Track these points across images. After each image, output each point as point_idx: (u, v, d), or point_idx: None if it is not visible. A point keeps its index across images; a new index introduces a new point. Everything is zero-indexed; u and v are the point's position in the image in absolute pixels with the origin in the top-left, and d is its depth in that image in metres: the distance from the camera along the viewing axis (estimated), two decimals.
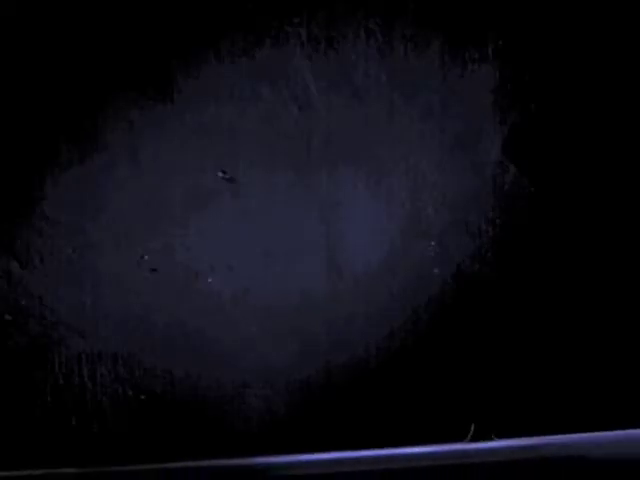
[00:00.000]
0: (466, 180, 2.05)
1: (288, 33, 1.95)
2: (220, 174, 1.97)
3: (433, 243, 2.05)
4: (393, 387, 1.98)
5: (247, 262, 2.00)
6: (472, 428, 1.79)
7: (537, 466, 1.48)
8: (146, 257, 1.97)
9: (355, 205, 2.02)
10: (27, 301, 1.94)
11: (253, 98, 1.96)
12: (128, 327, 1.95)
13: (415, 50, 2.00)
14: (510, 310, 2.07)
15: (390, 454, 1.63)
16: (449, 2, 1.99)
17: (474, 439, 1.76)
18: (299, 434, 1.96)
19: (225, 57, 1.94)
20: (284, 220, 2.00)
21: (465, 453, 1.53)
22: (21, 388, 1.91)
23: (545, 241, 2.08)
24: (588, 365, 2.03)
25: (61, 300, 1.95)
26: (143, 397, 1.95)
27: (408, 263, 2.05)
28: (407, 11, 1.98)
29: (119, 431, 1.93)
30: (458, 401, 1.97)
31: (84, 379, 1.93)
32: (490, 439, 1.68)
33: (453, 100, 2.02)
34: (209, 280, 1.99)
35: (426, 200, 2.04)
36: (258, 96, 1.96)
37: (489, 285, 2.06)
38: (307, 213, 2.01)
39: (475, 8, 2.00)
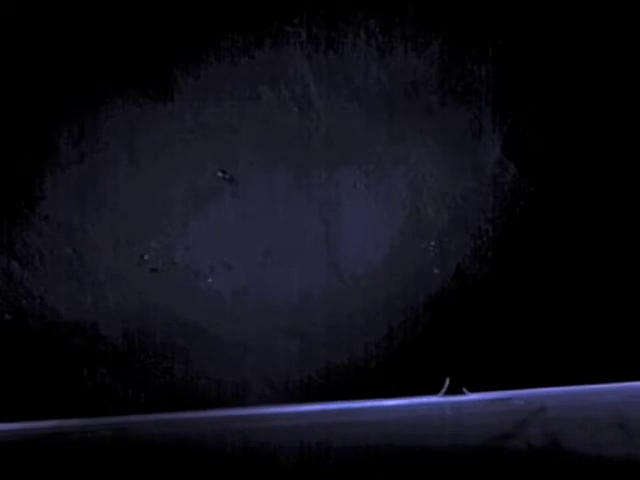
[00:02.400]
0: (466, 180, 2.05)
1: (288, 33, 1.95)
2: (220, 174, 1.97)
3: (433, 243, 2.05)
4: (378, 344, 1.98)
5: (247, 262, 2.00)
6: (446, 382, 1.88)
7: (507, 417, 1.60)
8: (146, 257, 1.97)
9: (355, 205, 2.02)
10: (27, 301, 1.94)
11: (253, 98, 1.96)
12: (128, 327, 1.95)
13: (415, 50, 2.00)
14: (504, 303, 2.07)
15: (372, 405, 1.73)
16: (449, 2, 1.99)
17: (448, 393, 1.87)
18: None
19: (225, 57, 1.94)
20: (284, 220, 2.00)
21: (440, 405, 1.67)
22: (21, 387, 1.91)
23: (545, 241, 2.08)
24: (554, 327, 2.03)
25: (61, 300, 1.95)
26: (142, 396, 1.95)
27: (408, 263, 2.05)
28: (407, 11, 1.98)
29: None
30: (435, 359, 1.99)
31: (84, 379, 1.93)
32: (462, 393, 1.82)
33: (453, 100, 2.02)
34: (209, 280, 1.99)
35: (426, 200, 2.04)
36: (258, 96, 1.96)
37: (489, 285, 2.07)
38: (307, 213, 2.02)
39: (475, 8, 2.00)
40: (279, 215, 2.00)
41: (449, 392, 1.88)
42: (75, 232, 1.93)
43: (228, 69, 1.94)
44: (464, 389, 1.87)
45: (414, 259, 2.04)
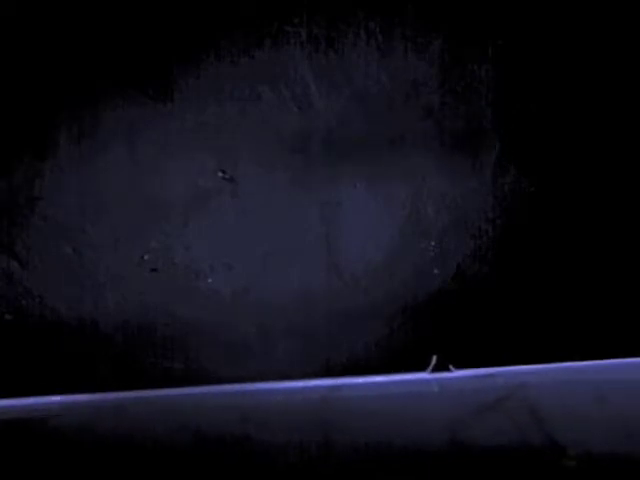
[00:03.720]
0: (466, 180, 2.05)
1: (288, 33, 1.95)
2: (220, 174, 1.97)
3: (433, 243, 2.05)
4: (370, 322, 2.00)
5: (247, 262, 2.00)
6: (433, 360, 1.92)
7: (490, 392, 1.71)
8: (146, 257, 1.97)
9: (355, 205, 2.02)
10: (27, 301, 1.94)
11: (253, 98, 1.96)
12: (128, 327, 1.95)
13: (415, 50, 2.00)
14: (488, 286, 2.07)
15: (360, 382, 1.81)
16: (449, 2, 1.99)
17: (435, 370, 1.91)
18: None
19: (225, 57, 1.94)
20: (284, 220, 2.00)
21: (426, 382, 1.78)
22: (21, 387, 1.91)
23: (545, 241, 2.08)
24: (536, 307, 2.04)
25: (61, 300, 1.95)
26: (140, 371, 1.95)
27: (408, 263, 2.05)
28: (407, 11, 1.98)
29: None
30: (422, 338, 2.01)
31: (84, 378, 1.93)
32: (448, 370, 1.88)
33: (453, 100, 2.02)
34: (209, 280, 1.99)
35: (426, 200, 2.04)
36: (258, 96, 1.96)
37: (489, 285, 2.07)
38: (307, 213, 2.02)
39: (475, 8, 2.00)
40: (279, 215, 2.00)
41: (436, 369, 1.93)
42: (75, 232, 1.94)
43: (228, 69, 1.94)
44: (450, 366, 1.92)
45: (414, 259, 2.04)
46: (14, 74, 1.88)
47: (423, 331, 2.02)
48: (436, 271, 2.05)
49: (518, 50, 2.03)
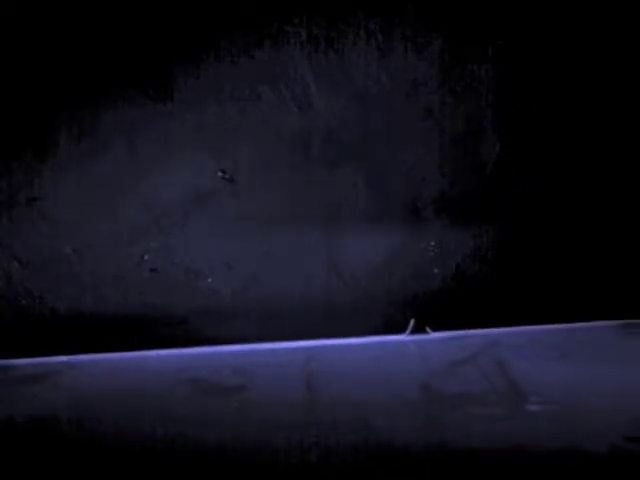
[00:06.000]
0: (466, 180, 2.05)
1: (288, 33, 1.95)
2: (220, 174, 1.97)
3: (433, 243, 2.06)
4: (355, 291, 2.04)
5: (247, 262, 2.00)
6: (412, 323, 2.01)
7: (463, 350, 1.89)
8: (146, 257, 1.97)
9: (355, 205, 2.02)
10: (27, 301, 1.94)
11: (253, 98, 1.96)
12: (128, 327, 1.95)
13: (415, 50, 2.00)
14: (464, 256, 2.08)
15: (349, 343, 1.98)
16: (449, 2, 1.99)
17: (413, 332, 2.03)
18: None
19: (225, 57, 1.94)
20: (284, 220, 2.00)
21: (405, 343, 1.98)
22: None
23: (545, 241, 2.08)
24: (506, 275, 2.08)
25: (61, 300, 1.95)
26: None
27: (408, 263, 2.05)
28: (407, 11, 1.98)
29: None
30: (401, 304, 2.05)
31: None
32: (425, 332, 2.01)
33: (453, 100, 2.03)
34: (209, 280, 2.00)
35: (426, 200, 2.04)
36: (258, 96, 1.96)
37: (489, 285, 2.07)
38: (307, 213, 2.02)
39: (475, 8, 2.00)
40: (279, 215, 2.00)
41: (414, 331, 2.03)
42: (75, 232, 1.94)
43: (228, 69, 1.94)
44: (427, 329, 2.01)
45: (414, 259, 2.05)
46: (15, 74, 1.88)
47: (394, 281, 2.04)
48: (436, 271, 2.06)
49: (518, 50, 2.03)
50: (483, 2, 2.00)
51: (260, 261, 2.00)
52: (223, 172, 1.97)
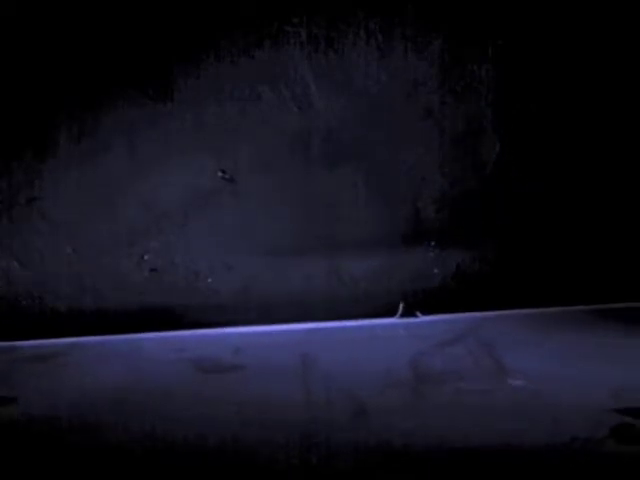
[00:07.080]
0: (466, 180, 2.05)
1: (288, 33, 1.95)
2: (220, 174, 1.97)
3: (433, 243, 2.06)
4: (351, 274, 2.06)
5: (247, 262, 2.00)
6: (401, 306, 2.05)
7: (450, 332, 1.96)
8: (146, 257, 1.97)
9: (355, 205, 2.02)
10: (27, 301, 1.94)
11: (253, 98, 1.96)
12: (128, 327, 1.95)
13: (415, 50, 2.00)
14: (454, 244, 2.08)
15: (343, 325, 2.03)
16: (449, 2, 1.99)
17: (403, 315, 2.06)
18: None
19: (225, 57, 1.94)
20: (284, 220, 2.00)
21: (395, 326, 2.04)
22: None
23: (545, 241, 2.08)
24: (490, 264, 2.09)
25: (61, 300, 1.95)
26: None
27: (408, 263, 2.05)
28: (407, 11, 1.98)
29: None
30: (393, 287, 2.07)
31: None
32: (415, 315, 2.06)
33: (453, 100, 2.03)
34: (209, 280, 2.00)
35: (426, 200, 2.04)
36: (258, 96, 1.96)
37: (489, 285, 2.07)
38: (307, 213, 2.02)
39: (475, 8, 2.00)
40: (279, 215, 2.00)
41: (404, 315, 2.06)
42: (75, 232, 1.94)
43: (228, 69, 1.94)
44: (417, 312, 2.06)
45: (414, 259, 2.05)
46: (15, 74, 1.88)
47: (385, 267, 2.05)
48: (436, 271, 2.06)
49: (518, 50, 2.03)
50: (483, 2, 2.01)
51: (260, 261, 2.00)
52: (223, 172, 1.97)
